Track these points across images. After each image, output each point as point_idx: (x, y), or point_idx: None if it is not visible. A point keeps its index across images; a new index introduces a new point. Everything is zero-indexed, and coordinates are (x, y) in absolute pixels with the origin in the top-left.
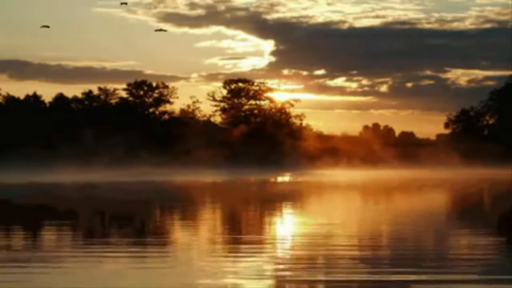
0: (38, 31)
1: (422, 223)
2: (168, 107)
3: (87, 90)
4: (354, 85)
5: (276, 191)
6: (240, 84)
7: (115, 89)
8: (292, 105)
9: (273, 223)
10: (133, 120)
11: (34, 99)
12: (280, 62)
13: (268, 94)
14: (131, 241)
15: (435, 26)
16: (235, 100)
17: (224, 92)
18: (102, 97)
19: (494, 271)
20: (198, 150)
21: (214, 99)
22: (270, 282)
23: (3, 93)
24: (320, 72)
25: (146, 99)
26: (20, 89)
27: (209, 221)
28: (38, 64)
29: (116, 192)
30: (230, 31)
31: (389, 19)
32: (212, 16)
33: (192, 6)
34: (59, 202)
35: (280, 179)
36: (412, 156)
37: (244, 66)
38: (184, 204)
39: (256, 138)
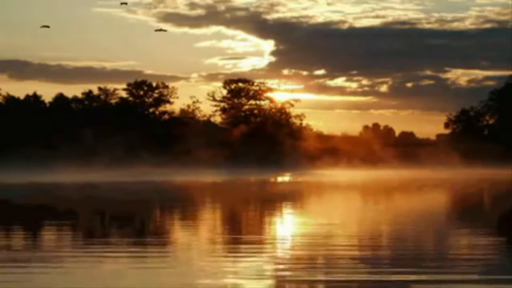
0: (38, 31)
1: (422, 223)
2: (168, 107)
3: (87, 90)
4: (354, 85)
5: (276, 191)
6: (240, 84)
7: (115, 89)
8: (292, 105)
9: (273, 223)
10: (133, 120)
11: (34, 99)
12: (280, 62)
13: (268, 94)
14: (131, 241)
15: (435, 26)
16: (235, 100)
17: (224, 92)
18: (102, 97)
19: (494, 271)
20: (198, 150)
21: (214, 99)
22: (270, 282)
23: (3, 93)
24: (320, 72)
25: (146, 99)
26: (20, 89)
27: (209, 221)
28: (38, 64)
29: (116, 192)
30: (230, 31)
31: (389, 19)
32: (212, 16)
33: (192, 6)
34: (59, 202)
35: (280, 179)
36: (412, 156)
37: (244, 66)
38: (184, 204)
39: (256, 138)
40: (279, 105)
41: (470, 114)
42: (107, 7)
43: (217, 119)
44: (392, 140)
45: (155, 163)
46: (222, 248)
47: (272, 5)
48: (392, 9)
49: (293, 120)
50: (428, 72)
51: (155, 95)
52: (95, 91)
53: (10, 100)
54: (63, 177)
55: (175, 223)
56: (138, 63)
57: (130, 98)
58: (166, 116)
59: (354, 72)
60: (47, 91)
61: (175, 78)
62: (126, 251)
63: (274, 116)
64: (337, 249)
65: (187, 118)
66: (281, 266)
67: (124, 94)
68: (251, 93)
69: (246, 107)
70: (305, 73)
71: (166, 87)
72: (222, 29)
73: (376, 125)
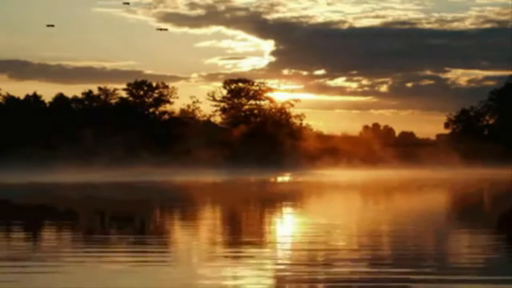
0: (38, 31)
1: (422, 223)
2: (168, 107)
3: (87, 90)
4: (354, 85)
5: (276, 191)
6: (240, 84)
7: (115, 89)
8: (292, 105)
9: (273, 223)
10: (133, 120)
11: (34, 99)
12: (280, 62)
13: (268, 94)
14: (131, 241)
15: (435, 26)
16: (235, 100)
17: (224, 92)
18: (102, 97)
19: (494, 271)
20: (198, 150)
21: (214, 99)
22: (270, 282)
23: (3, 93)
24: (320, 72)
25: (146, 99)
26: (20, 89)
27: (209, 221)
28: (38, 64)
29: (116, 192)
30: (230, 31)
31: (389, 19)
32: (212, 16)
33: (192, 6)
34: (59, 202)
35: (280, 179)
36: (412, 156)
37: (244, 66)
38: (184, 204)
39: (256, 138)
40: (279, 105)
41: (470, 114)
42: (107, 7)
43: (217, 119)
44: (392, 140)
45: (155, 163)
46: (222, 248)
47: (272, 5)
48: (392, 9)
49: (293, 120)
50: (428, 72)
51: (155, 95)
52: (95, 91)
53: (10, 100)
54: (63, 177)
55: (175, 223)
56: (138, 63)
57: (130, 98)
58: (166, 116)
59: (354, 72)
60: (47, 91)
61: (175, 78)
62: (126, 251)
63: (274, 116)
64: (337, 249)
65: (187, 118)
66: (281, 266)
67: (124, 94)
68: (251, 93)
69: (246, 107)
70: (305, 73)
71: (166, 87)
72: (222, 29)
73: (376, 125)
